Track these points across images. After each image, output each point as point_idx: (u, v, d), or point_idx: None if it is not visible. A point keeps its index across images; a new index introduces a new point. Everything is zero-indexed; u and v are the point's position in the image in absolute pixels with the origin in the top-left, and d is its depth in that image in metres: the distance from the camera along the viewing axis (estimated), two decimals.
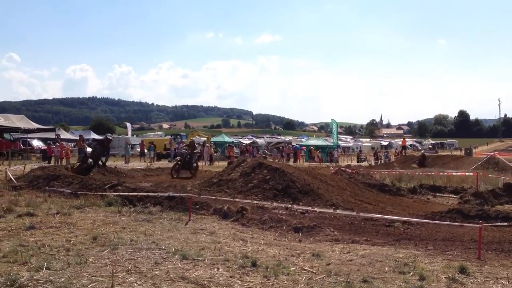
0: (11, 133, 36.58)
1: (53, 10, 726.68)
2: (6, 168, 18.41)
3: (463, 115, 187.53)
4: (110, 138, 20.39)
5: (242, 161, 16.58)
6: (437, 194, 17.90)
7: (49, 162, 27.28)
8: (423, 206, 14.42)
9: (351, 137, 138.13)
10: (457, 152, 72.96)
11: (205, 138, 48.32)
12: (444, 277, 5.56)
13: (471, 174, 21.77)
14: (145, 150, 38.46)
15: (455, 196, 16.81)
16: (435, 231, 9.26)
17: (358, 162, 47.60)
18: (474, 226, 7.99)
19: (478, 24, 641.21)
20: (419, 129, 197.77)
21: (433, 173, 22.95)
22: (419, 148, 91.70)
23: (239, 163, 16.27)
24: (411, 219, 9.68)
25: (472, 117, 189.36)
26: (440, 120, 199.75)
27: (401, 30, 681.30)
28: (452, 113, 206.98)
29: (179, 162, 21.19)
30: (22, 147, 36.67)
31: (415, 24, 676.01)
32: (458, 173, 22.91)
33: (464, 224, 8.71)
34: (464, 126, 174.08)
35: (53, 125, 73.13)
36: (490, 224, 8.95)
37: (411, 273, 5.69)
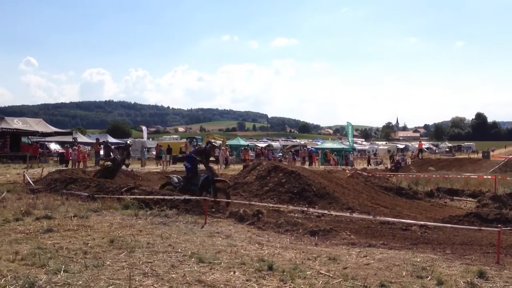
0: (29, 136, 37.04)
1: (70, 15, 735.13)
2: (24, 171, 18.61)
3: (480, 117, 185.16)
4: (215, 145, 16.98)
5: (257, 164, 16.61)
6: (454, 197, 17.70)
7: (66, 166, 27.52)
8: (441, 209, 14.29)
9: (362, 139, 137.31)
10: (474, 155, 72.13)
11: (221, 141, 48.46)
12: (463, 282, 5.49)
13: (489, 177, 21.52)
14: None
15: (473, 200, 16.59)
16: (453, 235, 9.16)
17: (368, 165, 47.02)
18: (493, 230, 7.91)
19: (496, 26, 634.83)
20: (436, 132, 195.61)
21: (450, 176, 22.72)
22: (436, 151, 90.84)
23: (254, 166, 16.30)
24: (429, 223, 9.60)
25: (489, 120, 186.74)
26: (457, 122, 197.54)
27: (417, 33, 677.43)
28: (470, 116, 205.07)
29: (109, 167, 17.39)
30: (40, 150, 37.11)
31: (432, 27, 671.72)
32: (476, 176, 22.64)
33: (483, 228, 8.62)
34: (482, 129, 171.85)
35: (70, 129, 73.80)
36: (509, 228, 8.83)
37: (429, 278, 5.63)
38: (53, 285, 4.83)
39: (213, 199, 11.70)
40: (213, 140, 53.76)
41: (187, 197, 11.31)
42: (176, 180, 13.32)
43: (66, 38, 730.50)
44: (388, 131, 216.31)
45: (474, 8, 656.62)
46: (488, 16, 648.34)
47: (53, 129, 39.50)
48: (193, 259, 6.19)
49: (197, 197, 11.26)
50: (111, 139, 57.08)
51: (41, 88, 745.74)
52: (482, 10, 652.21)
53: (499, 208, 13.21)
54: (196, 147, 14.87)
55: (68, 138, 43.62)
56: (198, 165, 13.22)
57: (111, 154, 18.26)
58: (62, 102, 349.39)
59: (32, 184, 15.58)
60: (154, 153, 41.77)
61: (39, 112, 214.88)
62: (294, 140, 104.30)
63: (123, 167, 17.99)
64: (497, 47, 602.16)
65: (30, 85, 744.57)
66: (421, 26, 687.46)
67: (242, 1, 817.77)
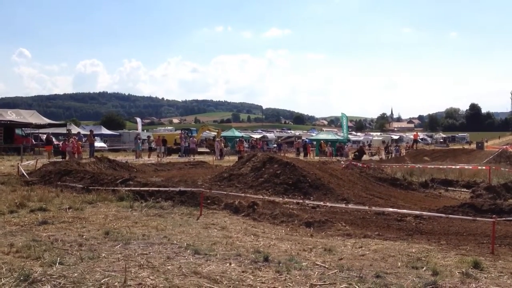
0: (23, 128, 36.85)
1: (63, 5, 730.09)
2: (18, 163, 18.53)
3: (474, 108, 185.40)
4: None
5: (252, 155, 16.57)
6: (449, 188, 17.71)
7: (63, 158, 27.41)
8: (435, 200, 14.32)
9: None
10: (468, 145, 72.36)
11: (215, 133, 48.38)
12: (458, 272, 5.51)
13: (484, 168, 21.56)
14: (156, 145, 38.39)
15: (467, 190, 16.62)
16: (448, 225, 9.19)
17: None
18: (487, 221, 7.92)
19: (490, 17, 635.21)
20: (430, 122, 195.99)
21: (445, 167, 22.78)
22: (430, 142, 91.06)
23: (249, 157, 16.26)
24: (423, 213, 9.61)
25: (483, 110, 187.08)
26: (451, 113, 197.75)
27: (412, 23, 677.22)
28: (464, 107, 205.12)
29: None
30: (34, 142, 36.92)
31: (426, 17, 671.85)
32: (470, 167, 22.70)
33: (477, 218, 8.63)
34: (476, 120, 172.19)
35: (64, 120, 73.44)
36: (503, 219, 8.86)
37: (424, 268, 5.65)
38: (49, 277, 4.81)
39: None
40: (208, 132, 53.82)
41: (182, 188, 11.30)
42: None
43: (60, 29, 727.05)
44: (383, 122, 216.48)
45: None
46: (482, 6, 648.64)
47: (47, 120, 39.26)
48: (188, 251, 6.19)
49: (192, 189, 11.25)
50: (106, 131, 56.84)
51: (34, 79, 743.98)
52: (476, 1, 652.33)
53: (493, 199, 13.27)
54: None
55: (62, 130, 43.35)
56: None
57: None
58: (55, 94, 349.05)
59: (27, 176, 15.53)
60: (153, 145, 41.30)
61: (32, 104, 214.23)
62: (289, 131, 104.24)
63: None
64: (491, 38, 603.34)
65: (23, 76, 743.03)
66: (415, 17, 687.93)
67: None
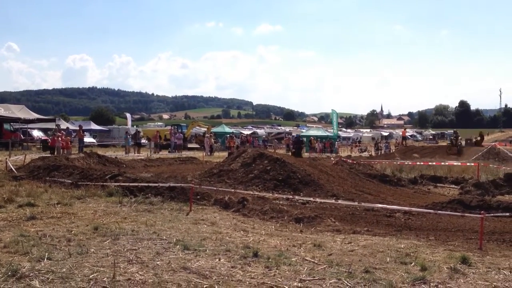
0: (11, 123, 36.54)
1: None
2: (6, 158, 18.38)
3: (463, 105, 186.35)
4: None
5: (242, 151, 16.56)
6: (437, 184, 17.81)
7: (52, 153, 27.23)
8: (424, 196, 14.38)
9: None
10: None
11: (206, 129, 48.31)
12: (446, 268, 5.54)
13: (472, 164, 21.72)
14: (144, 140, 38.22)
15: (455, 187, 16.71)
16: (436, 221, 9.25)
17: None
18: (476, 217, 7.98)
19: (480, 15, 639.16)
20: (420, 119, 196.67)
21: (434, 164, 22.92)
22: (419, 138, 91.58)
23: (239, 153, 16.25)
24: (412, 209, 9.66)
25: (472, 108, 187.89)
26: (440, 110, 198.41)
27: (403, 20, 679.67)
28: (453, 104, 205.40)
29: None
30: (22, 137, 36.62)
31: (417, 15, 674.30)
32: (459, 164, 22.85)
33: (465, 214, 8.69)
34: (465, 117, 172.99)
35: (53, 115, 72.89)
36: (491, 215, 8.92)
37: (413, 264, 5.68)
38: (37, 272, 4.78)
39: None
40: (198, 127, 53.76)
41: (172, 184, 11.27)
42: None
43: (49, 23, 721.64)
44: (373, 119, 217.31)
45: None
46: (472, 5, 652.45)
47: (36, 115, 38.95)
48: (178, 246, 6.18)
49: (182, 185, 11.23)
50: (95, 126, 56.57)
51: (23, 74, 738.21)
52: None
53: (481, 195, 13.38)
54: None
55: (51, 125, 43.04)
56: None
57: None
58: (44, 89, 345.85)
59: (15, 171, 15.41)
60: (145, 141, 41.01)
61: (21, 99, 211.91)
62: (279, 128, 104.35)
63: None
64: (481, 36, 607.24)
65: (12, 71, 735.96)
66: (406, 14, 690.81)
67: None
